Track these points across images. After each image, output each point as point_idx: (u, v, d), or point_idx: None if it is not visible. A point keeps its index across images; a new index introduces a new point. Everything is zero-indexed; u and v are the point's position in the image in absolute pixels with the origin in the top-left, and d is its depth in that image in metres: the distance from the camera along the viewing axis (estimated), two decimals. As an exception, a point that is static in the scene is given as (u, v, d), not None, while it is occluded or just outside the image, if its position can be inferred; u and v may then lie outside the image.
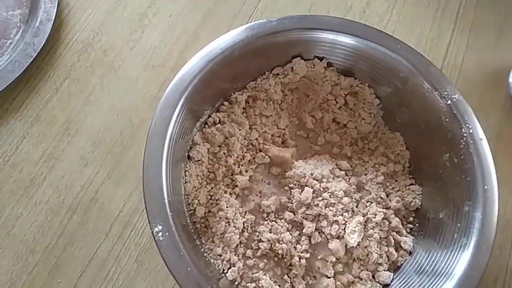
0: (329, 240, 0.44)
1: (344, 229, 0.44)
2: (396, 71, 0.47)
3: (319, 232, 0.44)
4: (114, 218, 0.48)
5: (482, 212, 0.40)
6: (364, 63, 0.48)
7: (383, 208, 0.46)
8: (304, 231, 0.44)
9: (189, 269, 0.36)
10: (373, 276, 0.44)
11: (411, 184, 0.48)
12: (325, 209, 0.44)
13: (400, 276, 0.44)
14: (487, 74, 0.59)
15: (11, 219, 0.48)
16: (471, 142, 0.43)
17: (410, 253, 0.45)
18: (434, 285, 0.39)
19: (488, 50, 0.60)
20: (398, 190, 0.48)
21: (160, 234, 0.37)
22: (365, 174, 0.49)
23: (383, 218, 0.45)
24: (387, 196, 0.48)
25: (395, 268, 0.45)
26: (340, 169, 0.48)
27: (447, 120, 0.44)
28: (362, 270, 0.44)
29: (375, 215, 0.45)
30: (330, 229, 0.43)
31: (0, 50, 0.53)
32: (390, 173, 0.49)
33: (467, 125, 0.43)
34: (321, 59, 0.50)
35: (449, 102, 0.44)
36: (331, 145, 0.51)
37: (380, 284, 0.44)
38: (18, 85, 0.53)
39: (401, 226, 0.46)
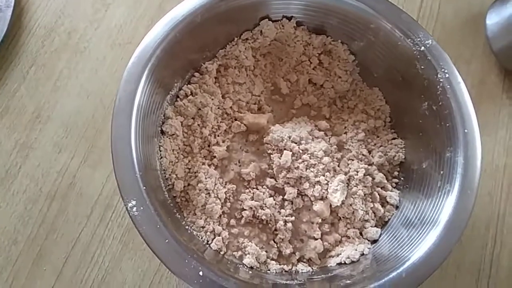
0: (313, 202, 0.43)
1: (327, 189, 0.43)
2: (366, 22, 0.45)
3: (302, 196, 0.43)
4: (94, 202, 0.47)
5: (464, 156, 0.39)
6: (334, 18, 0.47)
7: (365, 165, 0.45)
8: (286, 196, 0.43)
9: (167, 240, 0.35)
10: (361, 233, 0.43)
11: (393, 139, 0.47)
12: (305, 171, 0.43)
13: (388, 230, 0.43)
14: (464, 21, 0.57)
15: (-10, 212, 0.47)
16: (448, 87, 0.41)
17: (397, 207, 0.44)
18: (421, 234, 0.38)
19: (465, -4, 0.58)
20: (381, 146, 0.47)
21: (134, 209, 0.36)
22: (345, 133, 0.48)
23: (366, 174, 0.44)
24: (370, 152, 0.47)
25: (382, 223, 0.44)
26: (319, 130, 0.47)
27: (422, 67, 0.43)
28: (348, 229, 0.43)
29: (357, 172, 0.44)
30: (313, 190, 0.42)
31: (-40, 41, 0.52)
32: (371, 129, 0.48)
33: (443, 70, 0.42)
34: (289, 18, 0.48)
35: (422, 48, 0.43)
36: (308, 107, 0.50)
37: (369, 240, 0.43)
38: (-17, 76, 0.52)
39: (385, 181, 0.45)
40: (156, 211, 0.37)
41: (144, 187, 0.37)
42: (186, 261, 0.35)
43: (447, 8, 0.57)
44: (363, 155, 0.46)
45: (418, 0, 0.58)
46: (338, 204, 0.42)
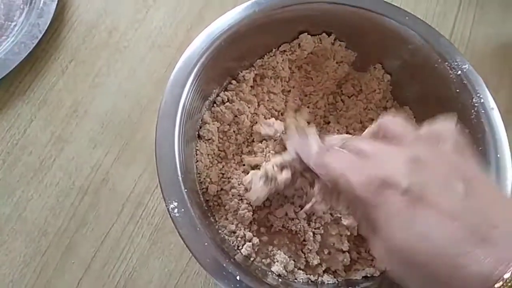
0: (342, 219, 0.44)
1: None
2: (405, 43, 0.46)
3: (330, 212, 0.44)
4: (125, 199, 0.48)
5: (495, 180, 0.40)
6: (373, 36, 0.48)
7: None
8: (315, 214, 0.44)
9: (206, 244, 0.36)
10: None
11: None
12: None
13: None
14: (494, 48, 0.59)
15: (22, 202, 0.48)
16: (483, 111, 0.43)
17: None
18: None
19: (495, 25, 0.60)
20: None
21: (175, 210, 0.37)
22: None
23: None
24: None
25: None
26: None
27: (457, 90, 0.44)
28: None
29: None
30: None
31: (5, 33, 0.53)
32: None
33: (478, 94, 0.43)
34: (329, 34, 0.49)
35: (459, 72, 0.44)
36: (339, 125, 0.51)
37: None
38: (23, 68, 0.52)
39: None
40: (196, 213, 0.38)
41: (186, 190, 0.38)
42: (224, 265, 0.36)
43: (478, 35, 0.59)
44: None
45: (450, 26, 0.59)
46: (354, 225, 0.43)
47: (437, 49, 0.45)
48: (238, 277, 0.35)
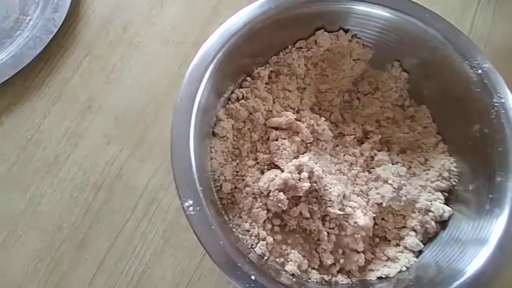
0: (357, 220, 0.43)
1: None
2: (424, 41, 0.45)
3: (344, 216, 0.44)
4: (139, 195, 0.48)
5: (514, 182, 0.39)
6: (392, 34, 0.47)
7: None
8: (329, 215, 0.43)
9: (221, 242, 0.36)
10: (405, 247, 0.44)
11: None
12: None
13: (432, 248, 0.43)
14: (512, 46, 0.57)
15: (37, 196, 0.48)
16: (503, 111, 0.42)
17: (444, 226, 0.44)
18: (468, 255, 0.38)
19: (514, 22, 0.59)
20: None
21: (191, 208, 0.37)
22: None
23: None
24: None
25: (427, 240, 0.44)
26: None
27: (477, 90, 0.43)
28: (391, 245, 0.44)
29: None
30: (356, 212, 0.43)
31: (20, 27, 0.53)
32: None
33: (499, 94, 0.42)
34: (346, 31, 0.49)
35: (479, 71, 0.43)
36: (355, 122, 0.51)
37: (413, 253, 0.43)
38: (39, 62, 0.52)
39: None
40: (210, 211, 0.37)
41: (201, 188, 0.38)
42: (239, 264, 0.36)
43: (497, 33, 0.57)
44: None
45: (468, 22, 0.58)
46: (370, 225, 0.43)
47: (457, 48, 0.44)
48: (253, 277, 0.35)
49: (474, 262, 0.37)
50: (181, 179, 0.38)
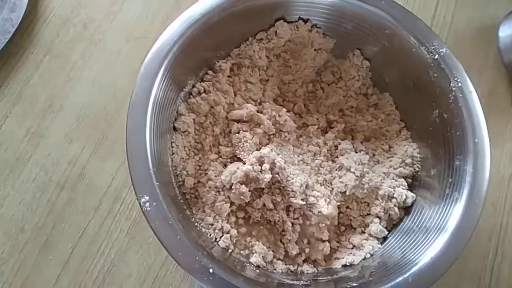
0: (320, 209, 0.43)
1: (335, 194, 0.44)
2: (382, 28, 0.45)
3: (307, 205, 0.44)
4: (103, 193, 0.48)
5: (473, 165, 0.40)
6: (350, 22, 0.47)
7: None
8: (293, 206, 0.43)
9: (178, 237, 0.36)
10: (370, 234, 0.44)
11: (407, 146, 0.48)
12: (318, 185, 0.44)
13: (395, 234, 0.43)
14: (477, 31, 0.58)
15: (-1, 199, 0.47)
16: (460, 95, 0.42)
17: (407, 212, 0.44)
18: (428, 240, 0.39)
19: (477, 7, 0.59)
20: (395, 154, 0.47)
21: (147, 204, 0.36)
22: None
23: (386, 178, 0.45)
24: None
25: (391, 226, 0.44)
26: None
27: (435, 75, 0.43)
28: (356, 233, 0.44)
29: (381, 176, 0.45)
30: (319, 201, 0.43)
31: (-24, 28, 0.52)
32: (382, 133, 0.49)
33: (456, 78, 0.42)
34: (305, 21, 0.49)
35: (436, 56, 0.43)
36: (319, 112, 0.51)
37: (378, 240, 0.43)
38: (-3, 63, 0.52)
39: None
40: (168, 207, 0.37)
41: (157, 183, 0.37)
42: (197, 258, 0.35)
43: (460, 18, 0.58)
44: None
45: (432, 9, 0.58)
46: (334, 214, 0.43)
47: (414, 33, 0.44)
48: (211, 270, 0.35)
49: (433, 247, 0.38)
50: (137, 175, 0.37)
